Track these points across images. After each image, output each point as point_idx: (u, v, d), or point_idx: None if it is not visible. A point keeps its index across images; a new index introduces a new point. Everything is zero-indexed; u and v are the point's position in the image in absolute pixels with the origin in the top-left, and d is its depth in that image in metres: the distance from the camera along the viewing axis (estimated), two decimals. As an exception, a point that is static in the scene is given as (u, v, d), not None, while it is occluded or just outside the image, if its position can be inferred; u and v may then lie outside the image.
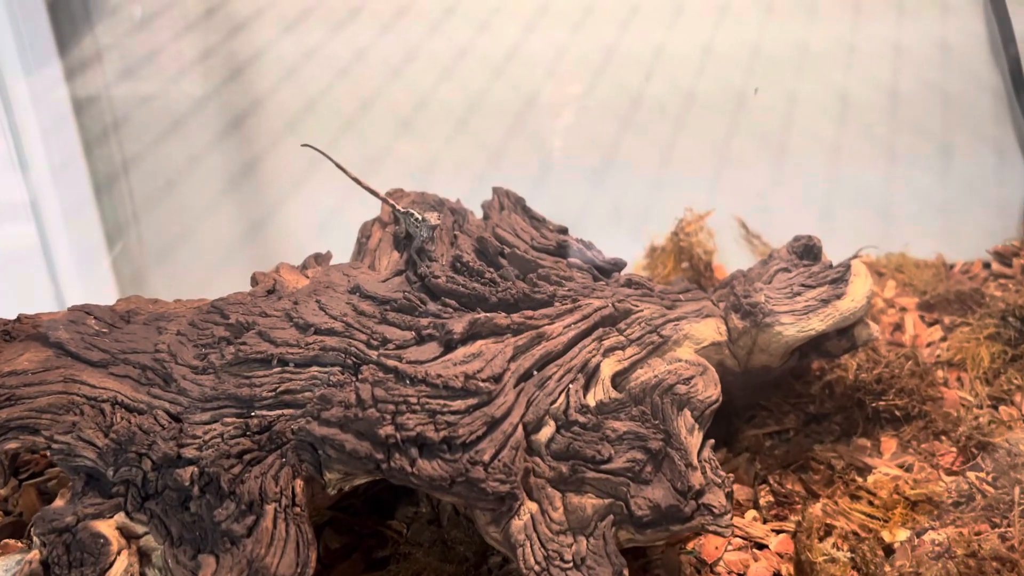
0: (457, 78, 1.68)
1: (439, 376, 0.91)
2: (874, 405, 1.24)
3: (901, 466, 1.19)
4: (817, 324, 1.06)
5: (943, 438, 1.24)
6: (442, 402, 0.90)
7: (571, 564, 0.88)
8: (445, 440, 0.88)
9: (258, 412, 0.94)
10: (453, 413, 0.89)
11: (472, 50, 1.66)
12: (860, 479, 1.15)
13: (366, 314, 1.02)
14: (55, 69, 1.54)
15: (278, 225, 1.74)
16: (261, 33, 1.59)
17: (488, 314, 1.00)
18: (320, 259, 1.23)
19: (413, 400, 0.90)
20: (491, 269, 1.13)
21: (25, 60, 1.48)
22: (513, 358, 0.97)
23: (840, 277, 1.10)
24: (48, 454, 0.97)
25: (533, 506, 0.91)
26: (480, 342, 0.98)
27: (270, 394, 0.95)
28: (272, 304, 1.05)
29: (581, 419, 0.96)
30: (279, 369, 0.97)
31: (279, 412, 0.95)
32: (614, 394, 1.01)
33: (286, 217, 1.74)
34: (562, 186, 1.78)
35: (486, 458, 0.88)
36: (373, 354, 0.96)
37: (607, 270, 1.22)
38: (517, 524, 0.90)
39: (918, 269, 1.62)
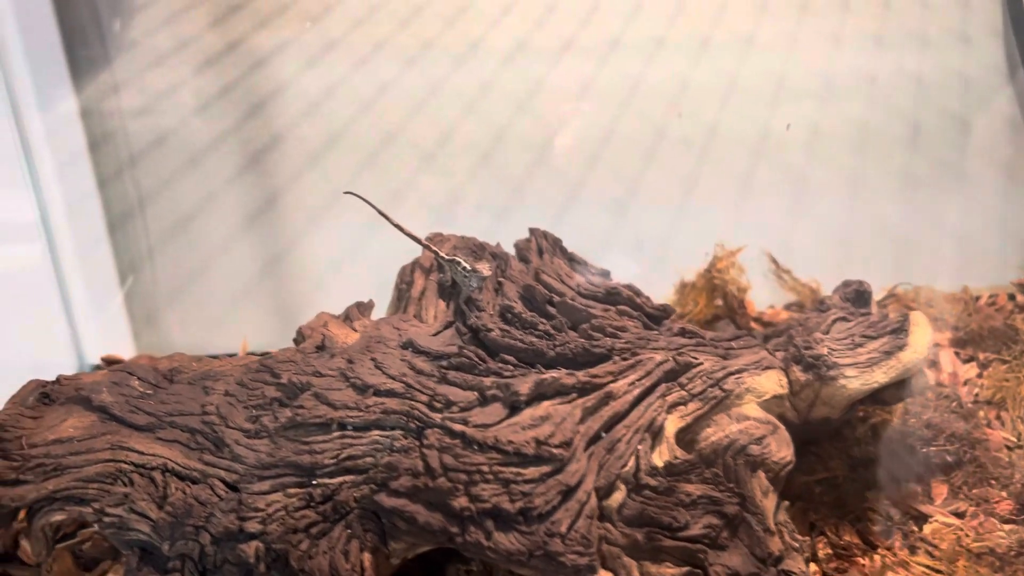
0: (480, 112, 1.66)
1: (510, 443, 0.88)
2: (924, 450, 1.22)
3: (955, 513, 1.18)
4: (880, 376, 1.05)
5: (993, 483, 1.23)
6: (515, 470, 0.87)
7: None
8: (521, 511, 0.85)
9: (320, 480, 0.91)
10: (527, 482, 0.86)
11: (496, 84, 1.64)
12: (918, 529, 1.14)
13: (424, 373, 0.99)
14: (71, 104, 1.49)
15: (295, 262, 1.70)
16: (283, 68, 1.55)
17: (553, 373, 0.97)
18: (363, 308, 1.19)
19: (485, 468, 0.87)
20: (543, 320, 1.10)
21: (40, 95, 1.43)
22: (582, 420, 0.94)
23: (900, 327, 1.08)
24: (97, 526, 0.93)
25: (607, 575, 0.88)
26: (546, 403, 0.95)
27: (332, 461, 0.91)
28: (325, 363, 1.01)
29: (652, 482, 0.93)
30: (339, 434, 0.94)
31: (340, 479, 0.92)
32: (680, 453, 0.99)
33: (304, 253, 1.70)
34: (585, 219, 1.76)
35: (563, 529, 0.85)
36: (437, 417, 0.93)
37: (656, 317, 1.19)
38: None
39: (948, 303, 1.61)
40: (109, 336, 1.65)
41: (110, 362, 1.54)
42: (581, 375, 0.97)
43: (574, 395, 0.96)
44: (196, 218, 1.63)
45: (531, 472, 0.87)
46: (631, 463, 0.94)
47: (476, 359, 1.00)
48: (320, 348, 1.07)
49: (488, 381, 0.96)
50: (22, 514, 0.96)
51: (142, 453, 0.95)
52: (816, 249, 1.81)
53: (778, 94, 1.74)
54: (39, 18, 1.40)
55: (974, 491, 1.22)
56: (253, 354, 1.58)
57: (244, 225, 1.66)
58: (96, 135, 1.53)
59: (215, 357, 1.55)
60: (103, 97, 1.51)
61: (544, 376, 0.95)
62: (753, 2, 1.66)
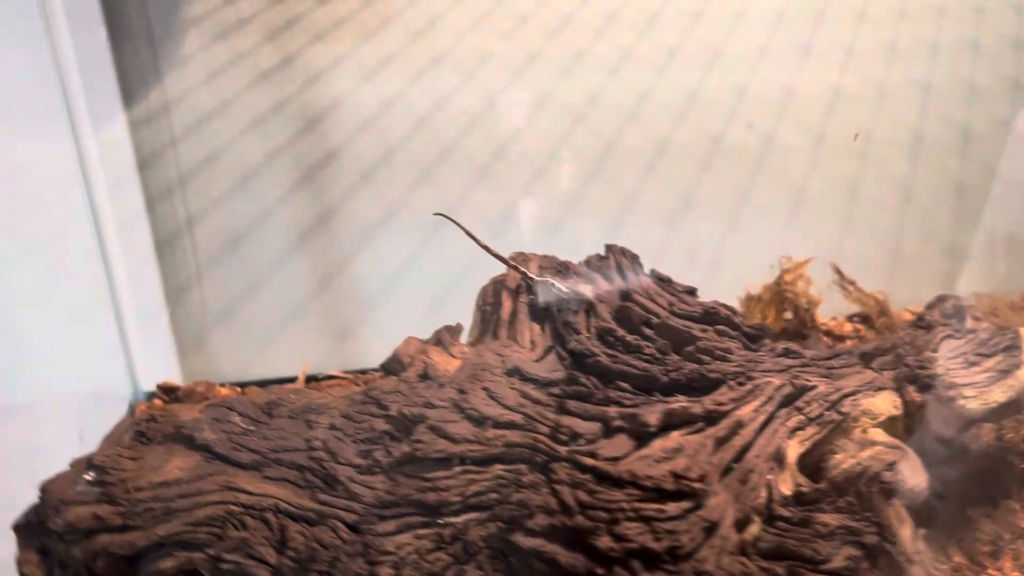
0: (536, 125, 1.63)
1: (649, 477, 0.85)
2: (1022, 467, 1.20)
3: (1059, 531, 1.16)
4: (999, 396, 1.03)
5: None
6: (656, 507, 0.83)
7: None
8: (669, 551, 0.81)
9: (446, 519, 0.87)
10: (669, 519, 0.83)
11: (552, 96, 1.61)
12: (1027, 549, 1.11)
13: (541, 403, 0.95)
14: (121, 122, 1.44)
15: (348, 280, 1.66)
16: (338, 83, 1.51)
17: (682, 402, 0.94)
18: (453, 332, 1.15)
19: (625, 506, 0.83)
20: (647, 342, 1.07)
21: (93, 114, 1.38)
22: (713, 451, 0.91)
23: (1013, 344, 1.06)
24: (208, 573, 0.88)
25: (751, 612, 0.85)
26: (675, 434, 0.91)
27: (458, 498, 0.87)
28: (435, 393, 0.97)
29: (785, 513, 0.90)
30: (461, 469, 0.90)
31: (466, 517, 0.88)
32: (803, 480, 0.96)
33: (356, 271, 1.66)
34: (638, 229, 1.73)
35: (709, 567, 0.82)
36: (563, 450, 0.89)
37: (754, 336, 1.16)
38: (739, 634, 0.83)
39: (1012, 311, 1.60)
40: (159, 358, 1.60)
41: (166, 390, 1.49)
42: (708, 403, 0.94)
43: (701, 424, 0.93)
44: (246, 238, 1.58)
45: (672, 508, 0.84)
46: (763, 494, 0.91)
47: (592, 387, 0.97)
48: (423, 377, 1.03)
49: (612, 411, 0.92)
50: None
51: (252, 493, 0.90)
52: (865, 258, 1.79)
53: (833, 103, 1.72)
54: (92, 34, 1.34)
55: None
56: (314, 378, 1.54)
57: (296, 243, 1.61)
58: (146, 154, 1.48)
59: (274, 382, 1.51)
60: (154, 115, 1.45)
61: (673, 406, 0.92)
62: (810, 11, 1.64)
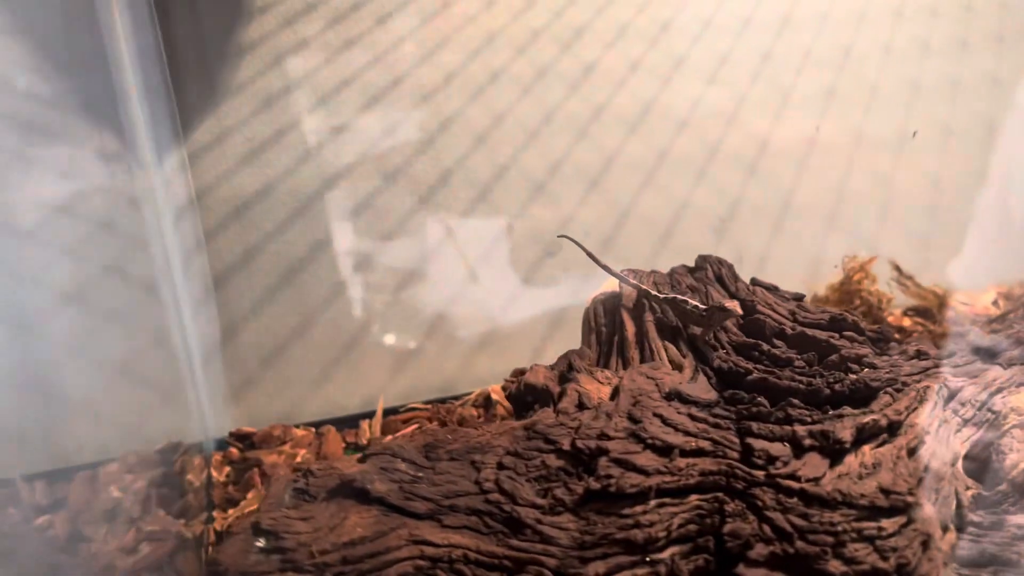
0: (591, 136, 1.60)
1: (862, 496, 0.83)
2: None
3: None
4: None
5: None
6: (874, 525, 0.82)
7: None
8: (897, 568, 0.80)
9: (652, 556, 0.84)
10: (889, 536, 0.82)
11: (609, 106, 1.59)
12: None
13: (720, 426, 0.93)
14: (179, 154, 1.36)
15: (400, 310, 1.60)
16: (396, 105, 1.46)
17: (870, 415, 0.92)
18: (582, 356, 1.12)
19: (846, 526, 0.81)
20: (796, 355, 1.06)
21: (154, 144, 1.30)
22: (908, 462, 0.90)
23: None
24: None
25: (966, 623, 0.84)
26: (866, 448, 0.90)
27: (664, 534, 0.84)
28: (605, 424, 0.94)
29: (975, 518, 0.90)
30: (657, 502, 0.86)
31: (670, 552, 0.84)
32: (970, 483, 0.96)
33: (410, 300, 1.60)
34: (688, 236, 1.72)
35: (934, 581, 0.81)
36: (760, 475, 0.87)
37: (877, 340, 1.16)
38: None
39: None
40: (210, 395, 1.51)
41: (239, 437, 1.41)
42: (890, 413, 0.93)
43: (884, 436, 0.92)
44: (300, 270, 1.51)
45: (889, 525, 0.82)
46: (954, 502, 0.90)
47: (768, 406, 0.94)
48: (580, 406, 0.99)
49: (801, 429, 0.91)
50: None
51: (438, 545, 0.85)
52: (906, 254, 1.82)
53: (870, 101, 1.75)
54: (150, 62, 1.26)
55: None
56: (393, 411, 1.48)
57: (352, 272, 1.55)
58: (202, 186, 1.40)
59: (338, 421, 1.45)
60: (210, 144, 1.38)
61: (864, 420, 0.91)
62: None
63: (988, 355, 1.16)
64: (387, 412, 1.48)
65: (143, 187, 1.26)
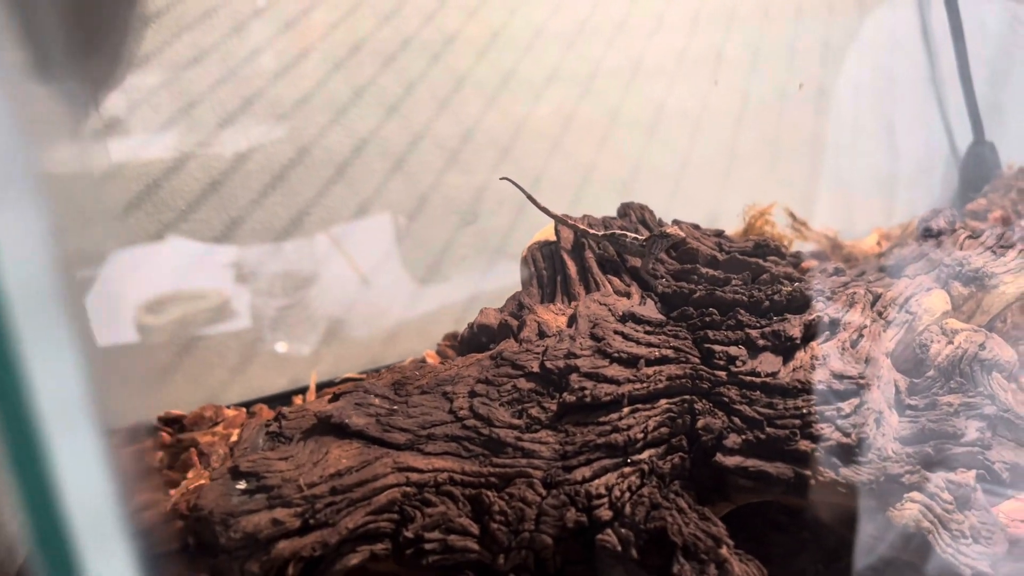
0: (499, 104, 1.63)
1: (820, 382, 0.89)
2: None
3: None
4: (1028, 280, 1.16)
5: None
6: (833, 406, 0.88)
7: (970, 540, 0.90)
8: (859, 442, 0.86)
9: (633, 457, 0.87)
10: (847, 416, 0.88)
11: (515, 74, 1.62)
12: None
13: (679, 336, 0.97)
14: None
15: (322, 284, 1.58)
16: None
17: (816, 311, 0.99)
18: (531, 295, 1.14)
19: (806, 411, 0.87)
20: (733, 275, 1.12)
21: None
22: (852, 352, 0.96)
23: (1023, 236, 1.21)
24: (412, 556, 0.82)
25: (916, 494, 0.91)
26: (814, 344, 0.97)
27: (642, 435, 0.87)
28: (570, 345, 0.96)
29: (911, 401, 0.98)
30: (630, 408, 0.90)
31: (648, 453, 0.88)
32: (897, 376, 1.04)
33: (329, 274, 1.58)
34: (596, 199, 1.78)
35: (889, 452, 0.88)
36: (721, 374, 0.92)
37: (793, 263, 1.24)
38: (912, 511, 0.89)
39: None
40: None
41: (168, 421, 1.35)
42: (831, 311, 1.00)
43: (827, 332, 0.99)
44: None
45: (846, 406, 0.89)
46: (892, 388, 0.98)
47: (718, 316, 1.00)
48: (541, 335, 1.01)
49: (754, 332, 0.96)
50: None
51: (422, 471, 0.85)
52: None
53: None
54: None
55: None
56: (330, 383, 1.45)
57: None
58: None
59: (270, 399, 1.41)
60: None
61: (811, 317, 0.97)
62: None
63: (894, 270, 1.26)
64: (320, 386, 1.45)
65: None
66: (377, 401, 0.91)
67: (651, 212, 1.35)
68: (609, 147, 1.76)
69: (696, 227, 1.32)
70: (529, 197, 1.21)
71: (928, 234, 1.30)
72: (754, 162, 1.93)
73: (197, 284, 1.45)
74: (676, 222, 1.33)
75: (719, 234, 1.31)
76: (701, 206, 1.89)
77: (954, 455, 0.93)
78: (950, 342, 1.04)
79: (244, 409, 1.40)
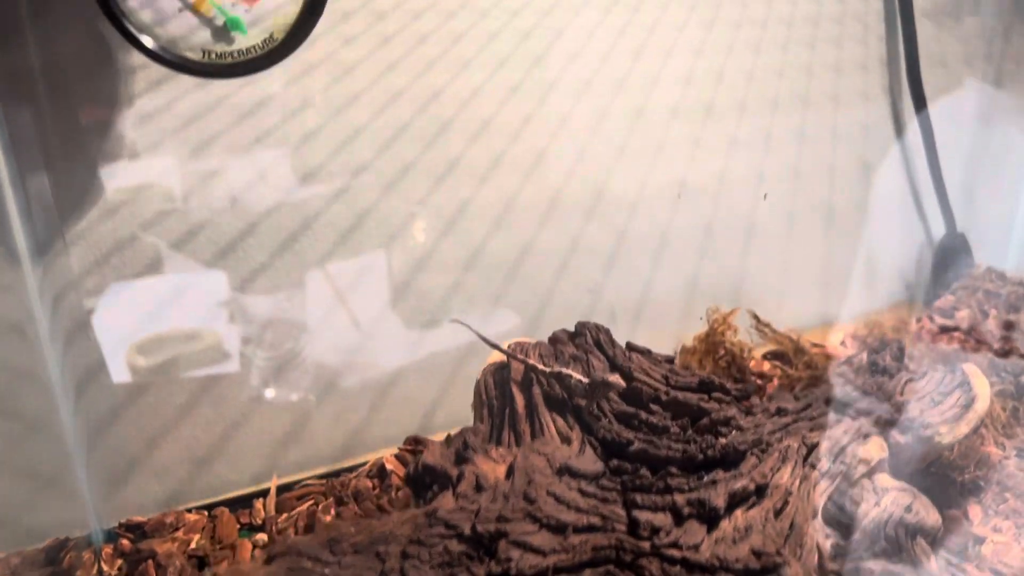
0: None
1: (737, 560, 0.92)
2: (960, 479, 1.39)
3: (995, 530, 1.35)
4: (964, 428, 1.19)
5: (1008, 495, 1.42)
6: (749, 585, 0.91)
7: None
8: (772, 625, 0.89)
9: (554, 633, 0.90)
10: (763, 595, 0.91)
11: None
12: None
13: (608, 500, 1.00)
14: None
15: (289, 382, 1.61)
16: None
17: (740, 479, 1.02)
18: (477, 433, 1.17)
19: (723, 590, 0.90)
20: (672, 422, 1.15)
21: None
22: (775, 522, 0.99)
23: (964, 381, 1.23)
24: None
25: (831, 665, 0.94)
26: (738, 511, 1.00)
27: (563, 611, 0.90)
28: (502, 507, 0.99)
29: (835, 567, 1.01)
30: (553, 580, 0.93)
31: (569, 627, 0.91)
32: (829, 532, 1.07)
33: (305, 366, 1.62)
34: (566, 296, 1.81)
35: (803, 633, 0.91)
36: (646, 546, 0.95)
37: (740, 398, 1.27)
38: None
39: (894, 332, 1.83)
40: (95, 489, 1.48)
41: (130, 527, 1.38)
42: (757, 476, 1.03)
43: (753, 498, 1.02)
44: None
45: (762, 584, 0.91)
46: (816, 555, 1.01)
47: (649, 477, 1.03)
48: (478, 488, 1.04)
49: (680, 499, 0.99)
50: None
51: (349, 642, 0.88)
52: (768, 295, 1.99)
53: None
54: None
55: (1001, 507, 1.40)
56: (287, 487, 1.48)
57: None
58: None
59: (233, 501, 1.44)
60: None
61: (735, 486, 1.00)
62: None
63: (839, 406, 1.29)
64: (281, 489, 1.48)
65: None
66: (310, 565, 0.94)
67: (607, 333, 1.38)
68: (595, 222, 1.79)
69: (647, 353, 1.35)
70: (479, 335, 1.25)
71: (875, 369, 1.33)
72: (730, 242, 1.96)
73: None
74: (630, 346, 1.36)
75: (670, 361, 1.34)
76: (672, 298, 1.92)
77: (872, 626, 0.96)
78: (877, 503, 1.06)
79: (206, 513, 1.44)
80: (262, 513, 1.42)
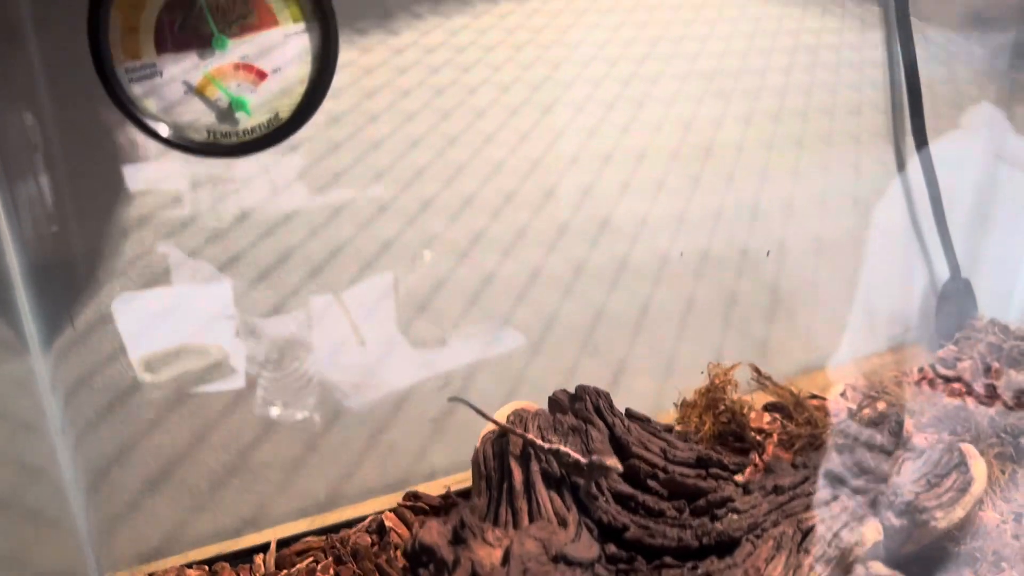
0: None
1: (729, 662, 0.93)
2: (956, 549, 1.39)
3: (991, 602, 1.36)
4: (960, 512, 1.20)
5: (1005, 564, 1.43)
6: None
7: None
8: None
9: None
10: None
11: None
12: (977, 628, 1.30)
13: (603, 593, 1.01)
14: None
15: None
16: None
17: (733, 572, 1.03)
18: (476, 511, 1.18)
19: None
20: (667, 504, 1.16)
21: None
22: (767, 619, 1.00)
23: (961, 462, 1.24)
24: None
25: None
26: (733, 607, 1.00)
27: None
28: (498, 598, 1.00)
29: (827, 661, 1.02)
30: None
31: None
32: (822, 619, 1.08)
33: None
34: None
35: None
36: (639, 643, 0.96)
37: (735, 472, 1.28)
38: None
39: (896, 386, 1.83)
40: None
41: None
42: (751, 570, 1.04)
43: (746, 593, 1.03)
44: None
45: None
46: (809, 647, 1.02)
47: (644, 566, 1.04)
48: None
49: (677, 595, 1.00)
50: None
51: None
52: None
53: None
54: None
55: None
56: (285, 543, 1.49)
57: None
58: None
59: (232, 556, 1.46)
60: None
61: (732, 584, 1.01)
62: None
63: (835, 480, 1.30)
64: (281, 544, 1.50)
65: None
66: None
67: (607, 398, 1.39)
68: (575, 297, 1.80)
69: (646, 421, 1.36)
70: (477, 410, 1.26)
71: (872, 445, 1.33)
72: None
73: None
74: (629, 413, 1.37)
75: (668, 430, 1.35)
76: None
77: None
78: (870, 595, 1.07)
79: (207, 567, 1.45)
80: (262, 568, 1.44)
